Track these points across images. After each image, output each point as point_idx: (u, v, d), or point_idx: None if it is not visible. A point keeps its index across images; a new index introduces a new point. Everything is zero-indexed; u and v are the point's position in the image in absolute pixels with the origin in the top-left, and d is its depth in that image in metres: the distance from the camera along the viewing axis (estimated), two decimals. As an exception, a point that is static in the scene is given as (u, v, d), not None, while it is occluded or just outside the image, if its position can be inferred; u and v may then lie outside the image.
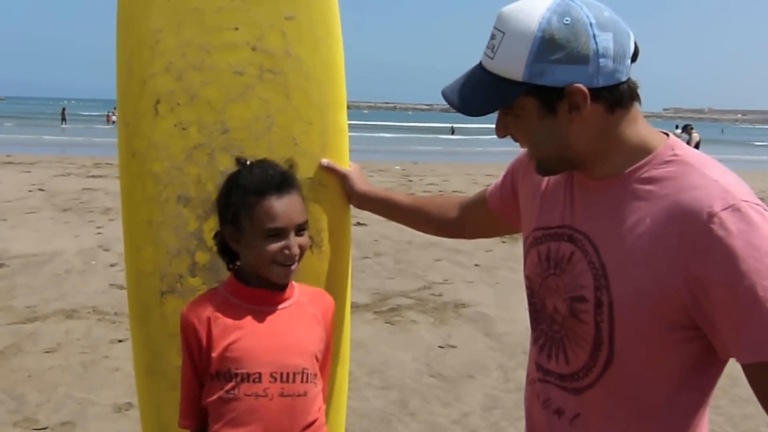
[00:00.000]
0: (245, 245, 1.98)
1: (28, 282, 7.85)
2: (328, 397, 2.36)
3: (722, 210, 1.37)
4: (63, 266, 8.63)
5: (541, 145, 1.57)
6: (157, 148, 2.20)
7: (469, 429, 4.77)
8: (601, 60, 1.43)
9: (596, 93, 1.46)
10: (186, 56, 2.19)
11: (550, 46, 1.43)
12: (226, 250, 2.07)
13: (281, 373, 1.97)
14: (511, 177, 1.98)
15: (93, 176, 17.96)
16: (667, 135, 1.58)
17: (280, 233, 1.93)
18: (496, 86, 1.50)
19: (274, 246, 1.93)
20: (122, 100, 2.25)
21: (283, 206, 1.94)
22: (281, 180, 1.97)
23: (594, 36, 1.42)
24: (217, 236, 2.08)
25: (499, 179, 2.05)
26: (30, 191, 15.03)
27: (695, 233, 1.38)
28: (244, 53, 2.21)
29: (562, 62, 1.43)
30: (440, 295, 7.98)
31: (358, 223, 11.42)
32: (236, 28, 2.20)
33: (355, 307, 7.25)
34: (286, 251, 1.94)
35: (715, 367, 1.52)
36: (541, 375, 1.68)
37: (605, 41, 1.43)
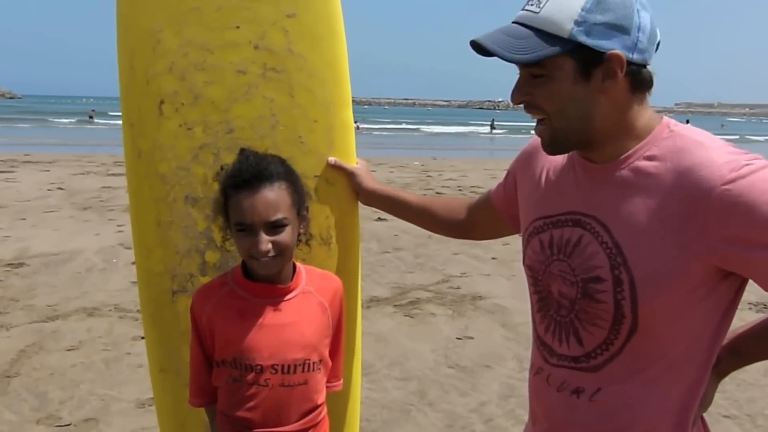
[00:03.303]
0: (231, 236, 2.02)
1: (48, 281, 7.91)
2: (344, 390, 2.38)
3: (731, 171, 1.43)
4: (84, 265, 8.69)
5: (567, 113, 1.57)
6: (162, 148, 2.21)
7: (486, 417, 4.80)
8: (639, 35, 1.50)
9: (628, 67, 1.51)
10: (188, 56, 2.18)
11: (601, 7, 1.48)
12: None
13: (282, 366, 2.01)
14: (513, 175, 2.00)
15: (113, 174, 18.04)
16: (661, 117, 1.63)
17: (246, 229, 1.93)
18: (539, 39, 1.51)
19: (246, 241, 1.94)
20: (126, 100, 2.25)
21: (250, 203, 1.92)
22: (251, 175, 1.94)
23: (638, 11, 1.50)
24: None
25: (503, 179, 2.07)
26: (49, 190, 15.12)
27: (712, 198, 1.43)
28: (246, 52, 2.20)
29: (607, 27, 1.48)
30: (458, 288, 8.01)
31: (379, 218, 11.46)
32: (237, 27, 2.19)
33: (375, 300, 7.30)
34: (254, 248, 1.92)
35: (731, 310, 1.58)
36: (555, 360, 1.70)
37: (645, 19, 1.51)
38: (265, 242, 1.92)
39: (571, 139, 1.61)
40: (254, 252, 1.93)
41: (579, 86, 1.52)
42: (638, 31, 1.49)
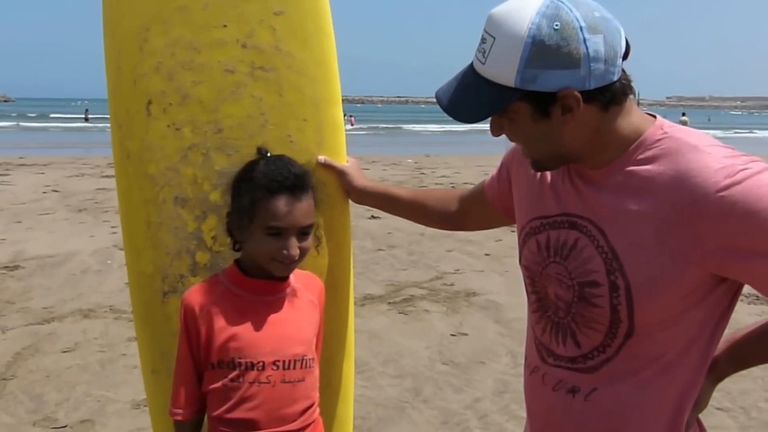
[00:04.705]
0: (248, 236, 2.01)
1: (44, 283, 7.91)
2: (336, 389, 2.39)
3: (726, 177, 1.41)
4: (79, 266, 8.69)
5: (536, 147, 1.59)
6: (151, 149, 2.19)
7: (481, 413, 4.81)
8: (592, 63, 1.43)
9: (589, 95, 1.47)
10: (175, 55, 2.17)
11: (541, 51, 1.42)
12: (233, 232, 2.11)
13: (283, 361, 2.02)
14: (507, 168, 1.99)
15: (107, 176, 18.00)
16: (655, 117, 1.61)
17: (280, 233, 1.96)
18: (489, 92, 1.50)
19: (274, 244, 1.96)
20: (113, 101, 2.24)
21: (290, 207, 1.96)
22: (294, 182, 1.99)
23: (584, 40, 1.42)
24: (228, 216, 2.11)
25: (495, 171, 2.06)
26: (44, 192, 15.10)
27: (706, 205, 1.41)
28: (234, 51, 2.18)
29: (554, 67, 1.43)
30: (452, 284, 8.03)
31: (372, 216, 11.50)
32: (225, 26, 2.17)
33: (369, 298, 7.32)
34: (285, 251, 1.96)
35: (728, 313, 1.58)
36: (552, 360, 1.70)
37: (596, 44, 1.43)
38: (296, 247, 1.98)
39: (551, 162, 1.63)
40: (282, 256, 1.97)
41: (540, 123, 1.52)
42: (590, 62, 1.43)
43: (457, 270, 8.69)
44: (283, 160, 2.06)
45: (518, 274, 1.86)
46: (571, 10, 1.43)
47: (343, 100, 2.42)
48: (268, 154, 2.10)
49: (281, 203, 1.96)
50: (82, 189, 15.73)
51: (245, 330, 2.01)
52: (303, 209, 1.99)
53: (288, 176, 1.99)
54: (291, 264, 2.01)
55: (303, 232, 2.00)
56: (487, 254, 9.56)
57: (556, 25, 1.42)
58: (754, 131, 64.06)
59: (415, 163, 23.96)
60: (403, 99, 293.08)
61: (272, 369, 2.01)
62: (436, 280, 8.24)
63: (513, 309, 6.93)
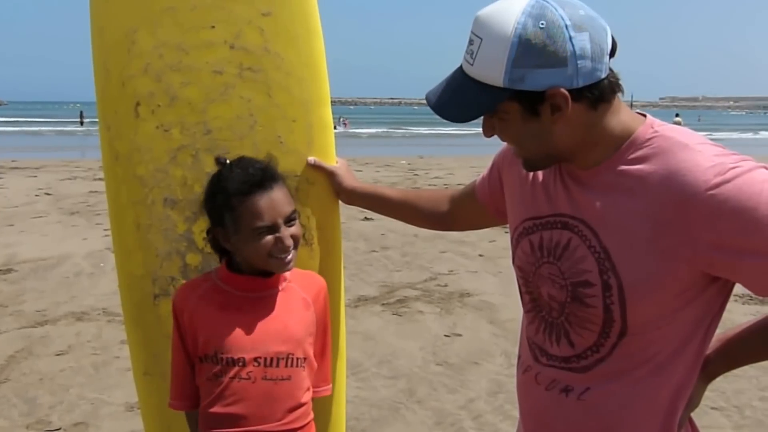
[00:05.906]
0: (237, 243, 2.00)
1: (37, 286, 7.89)
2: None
3: (716, 176, 1.41)
4: (72, 269, 8.67)
5: (527, 146, 1.59)
6: (140, 150, 2.19)
7: (475, 414, 4.81)
8: (579, 61, 1.44)
9: (577, 93, 1.47)
10: (163, 57, 2.17)
11: (527, 51, 1.43)
12: (219, 247, 2.10)
13: (264, 358, 2.02)
14: (498, 169, 1.99)
15: (99, 179, 17.96)
16: (645, 116, 1.61)
17: (268, 229, 1.96)
18: (479, 92, 1.51)
19: (267, 241, 1.96)
20: (102, 102, 2.23)
21: (268, 202, 1.96)
22: (262, 176, 1.99)
23: (570, 38, 1.43)
24: (209, 234, 2.11)
25: (486, 171, 2.07)
26: (37, 196, 15.08)
27: (697, 203, 1.42)
28: (222, 52, 2.18)
29: (541, 66, 1.44)
30: (446, 285, 8.03)
31: (366, 218, 11.49)
32: (213, 27, 2.17)
33: (363, 299, 7.31)
34: (280, 244, 1.96)
35: (720, 312, 1.59)
36: (545, 360, 1.70)
37: (582, 42, 1.44)
38: (288, 237, 1.98)
39: (543, 162, 1.64)
40: (278, 249, 1.97)
41: (530, 123, 1.52)
42: (577, 59, 1.44)
43: (451, 271, 8.69)
44: (243, 161, 2.05)
45: (512, 274, 1.86)
46: (556, 9, 1.44)
47: (335, 102, 2.42)
48: (227, 161, 2.07)
49: (259, 201, 1.95)
50: (75, 192, 15.70)
51: (228, 326, 2.02)
52: (280, 198, 1.99)
53: (254, 173, 1.99)
54: (288, 256, 2.00)
55: (289, 219, 2.00)
56: (480, 255, 9.56)
57: (542, 24, 1.43)
58: (760, 132, 64.00)
59: (409, 164, 24.00)
60: (396, 101, 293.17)
61: (253, 365, 2.02)
62: (429, 281, 8.23)
63: (507, 309, 6.94)
